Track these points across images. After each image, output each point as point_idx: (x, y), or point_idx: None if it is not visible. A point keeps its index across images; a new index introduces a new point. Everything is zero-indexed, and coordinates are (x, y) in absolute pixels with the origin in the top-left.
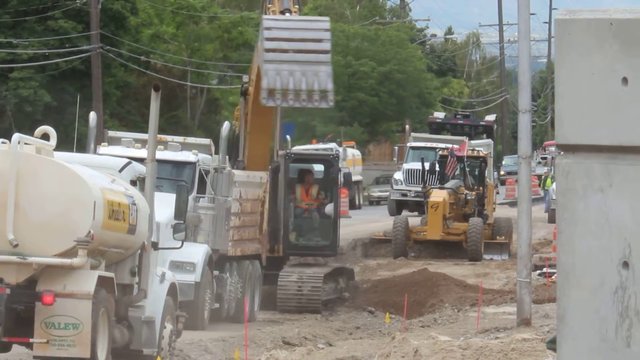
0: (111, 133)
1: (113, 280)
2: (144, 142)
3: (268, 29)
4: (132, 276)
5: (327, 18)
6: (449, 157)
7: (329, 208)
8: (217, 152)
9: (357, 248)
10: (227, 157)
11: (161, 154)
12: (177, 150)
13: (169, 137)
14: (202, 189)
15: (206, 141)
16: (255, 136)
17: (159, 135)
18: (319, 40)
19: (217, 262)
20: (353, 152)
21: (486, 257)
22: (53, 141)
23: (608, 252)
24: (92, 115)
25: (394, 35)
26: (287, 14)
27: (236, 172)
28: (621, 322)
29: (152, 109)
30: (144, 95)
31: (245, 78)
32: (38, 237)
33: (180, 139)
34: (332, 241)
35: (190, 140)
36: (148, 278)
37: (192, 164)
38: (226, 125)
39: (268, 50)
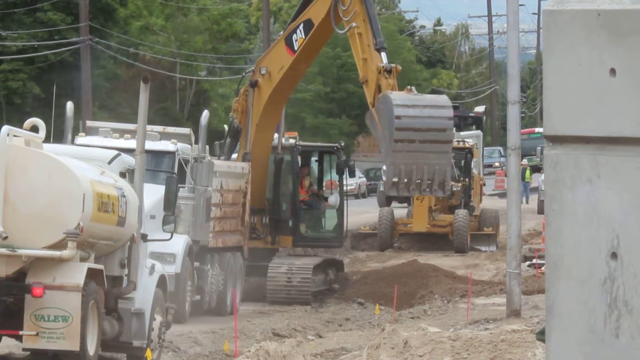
0: (89, 123)
1: (103, 273)
2: (122, 132)
3: (398, 117)
4: (121, 268)
5: (449, 103)
6: None
7: (333, 199)
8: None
9: (346, 240)
10: (207, 146)
11: None
12: (156, 139)
13: (147, 127)
14: (182, 179)
15: (186, 130)
16: (263, 127)
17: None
18: (443, 130)
19: (197, 253)
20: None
21: (481, 248)
22: (42, 133)
23: (596, 243)
24: (69, 105)
25: (383, 27)
26: (413, 94)
27: (216, 162)
28: (610, 313)
29: (142, 101)
30: (133, 87)
31: (246, 68)
32: (27, 229)
33: (159, 128)
34: (339, 232)
35: (170, 129)
36: (137, 270)
37: (171, 154)
38: (205, 114)
39: (397, 141)
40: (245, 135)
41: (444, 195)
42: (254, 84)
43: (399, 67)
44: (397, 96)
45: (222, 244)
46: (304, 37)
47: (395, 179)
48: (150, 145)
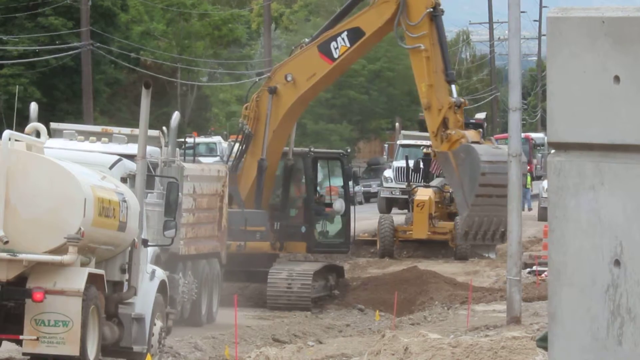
0: (53, 125)
1: (103, 278)
2: (87, 135)
3: (484, 174)
4: (122, 273)
5: (525, 159)
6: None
7: (338, 204)
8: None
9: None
10: (177, 149)
11: (105, 147)
12: (123, 142)
13: (115, 129)
14: (150, 184)
15: (155, 133)
16: (279, 134)
17: (105, 127)
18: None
19: (167, 261)
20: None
21: (484, 254)
22: (44, 138)
23: (599, 250)
24: (33, 106)
25: None
26: (493, 146)
27: (188, 165)
28: (612, 321)
29: (143, 106)
30: (134, 92)
31: (257, 74)
32: (28, 234)
33: (127, 130)
34: (346, 238)
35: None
36: (138, 275)
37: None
38: (175, 115)
39: (478, 196)
40: (260, 142)
41: (499, 244)
42: (273, 90)
43: (467, 102)
44: (483, 151)
45: (196, 251)
46: (348, 45)
47: (466, 229)
48: (117, 148)
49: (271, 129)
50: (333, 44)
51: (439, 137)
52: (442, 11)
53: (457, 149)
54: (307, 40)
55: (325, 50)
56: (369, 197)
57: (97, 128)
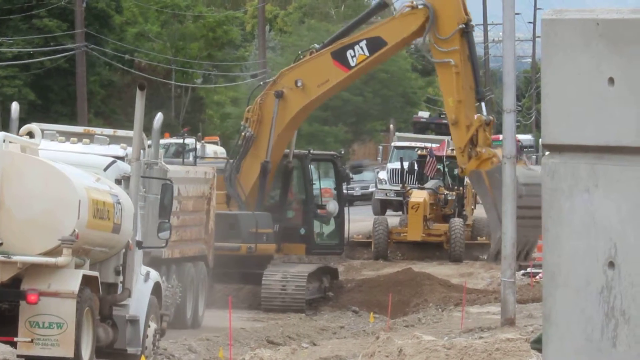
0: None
1: (97, 279)
2: (68, 135)
3: (520, 197)
4: (116, 275)
5: None
6: (428, 156)
7: (331, 206)
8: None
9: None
10: (160, 150)
11: (86, 148)
12: (105, 144)
13: (97, 130)
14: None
15: None
16: (284, 138)
17: (87, 128)
18: None
19: (150, 265)
20: (215, 149)
21: (480, 256)
22: (38, 140)
23: (594, 252)
24: (14, 106)
25: None
26: (527, 168)
27: (172, 167)
28: (607, 322)
29: (137, 108)
30: (129, 94)
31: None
32: (23, 235)
33: (109, 131)
34: (340, 239)
35: (121, 133)
36: (132, 277)
37: (119, 159)
38: (159, 116)
39: (519, 217)
40: (263, 144)
41: (525, 263)
42: (279, 95)
43: (495, 120)
44: (520, 173)
45: (180, 254)
46: (367, 54)
47: (500, 249)
48: (98, 149)
49: (276, 133)
50: (350, 52)
51: (465, 153)
52: (473, 27)
53: (493, 170)
54: (317, 46)
55: (340, 58)
56: (352, 200)
57: (79, 129)
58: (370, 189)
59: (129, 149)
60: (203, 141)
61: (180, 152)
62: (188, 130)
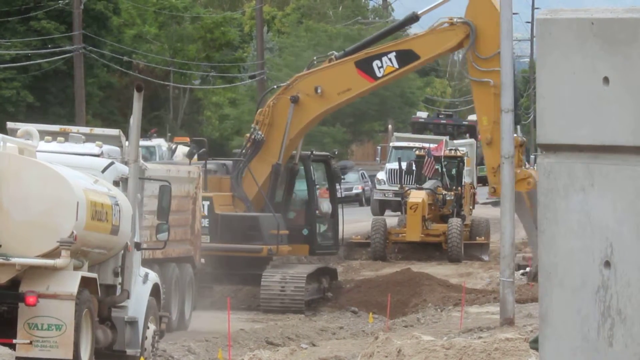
0: (10, 124)
1: (96, 281)
2: (43, 134)
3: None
4: (115, 277)
5: None
6: (426, 157)
7: (325, 206)
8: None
9: (340, 248)
10: (139, 149)
11: (61, 147)
12: (80, 142)
13: (73, 128)
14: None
15: (115, 132)
16: (294, 142)
17: (62, 127)
18: None
19: None
20: (184, 150)
21: (478, 255)
22: (36, 142)
23: (590, 251)
24: None
25: None
26: None
27: (151, 165)
28: (603, 322)
29: (135, 110)
30: (127, 96)
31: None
32: (21, 237)
33: (86, 129)
34: (335, 239)
35: (98, 131)
36: (131, 278)
37: (95, 157)
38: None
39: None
40: (273, 147)
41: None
42: (295, 100)
43: (527, 141)
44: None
45: (163, 255)
46: (396, 66)
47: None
48: (73, 148)
49: (289, 137)
50: (377, 63)
51: (498, 173)
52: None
53: (533, 191)
54: (336, 53)
55: (365, 68)
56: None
57: (55, 127)
58: (354, 191)
59: (105, 147)
60: (175, 142)
61: (151, 154)
62: (155, 132)
